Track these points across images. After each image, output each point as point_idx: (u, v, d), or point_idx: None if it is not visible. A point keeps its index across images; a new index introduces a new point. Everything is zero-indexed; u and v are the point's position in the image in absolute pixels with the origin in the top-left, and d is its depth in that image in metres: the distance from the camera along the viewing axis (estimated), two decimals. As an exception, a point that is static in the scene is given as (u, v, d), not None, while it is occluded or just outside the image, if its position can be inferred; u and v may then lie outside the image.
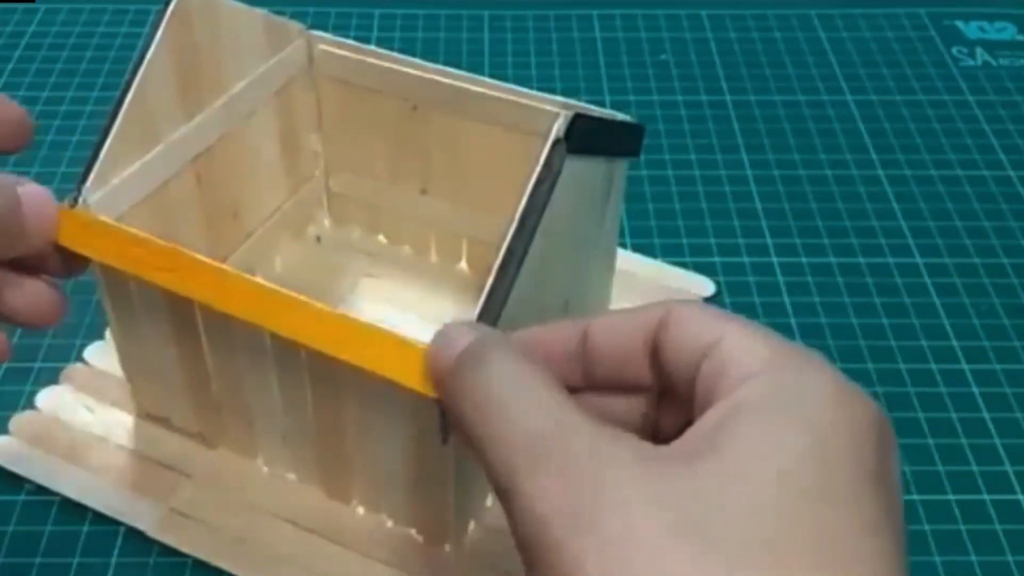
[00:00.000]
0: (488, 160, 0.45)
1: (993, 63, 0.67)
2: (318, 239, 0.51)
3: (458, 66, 0.44)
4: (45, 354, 0.47)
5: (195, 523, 0.40)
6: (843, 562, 0.21)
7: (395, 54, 0.45)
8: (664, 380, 0.27)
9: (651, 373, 0.27)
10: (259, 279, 0.35)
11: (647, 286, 0.50)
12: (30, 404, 0.44)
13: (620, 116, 0.40)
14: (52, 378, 0.45)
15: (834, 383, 0.24)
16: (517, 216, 0.34)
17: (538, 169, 0.34)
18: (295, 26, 0.46)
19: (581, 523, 0.21)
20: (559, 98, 0.42)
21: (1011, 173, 0.59)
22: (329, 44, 0.46)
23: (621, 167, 0.42)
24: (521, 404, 0.24)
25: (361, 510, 0.40)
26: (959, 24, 0.71)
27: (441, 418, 0.33)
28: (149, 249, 0.35)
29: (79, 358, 0.46)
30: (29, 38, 0.67)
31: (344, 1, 0.70)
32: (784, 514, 0.21)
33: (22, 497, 0.41)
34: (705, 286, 0.51)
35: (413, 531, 0.40)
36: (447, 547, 0.39)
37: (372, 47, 0.46)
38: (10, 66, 0.64)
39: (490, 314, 0.33)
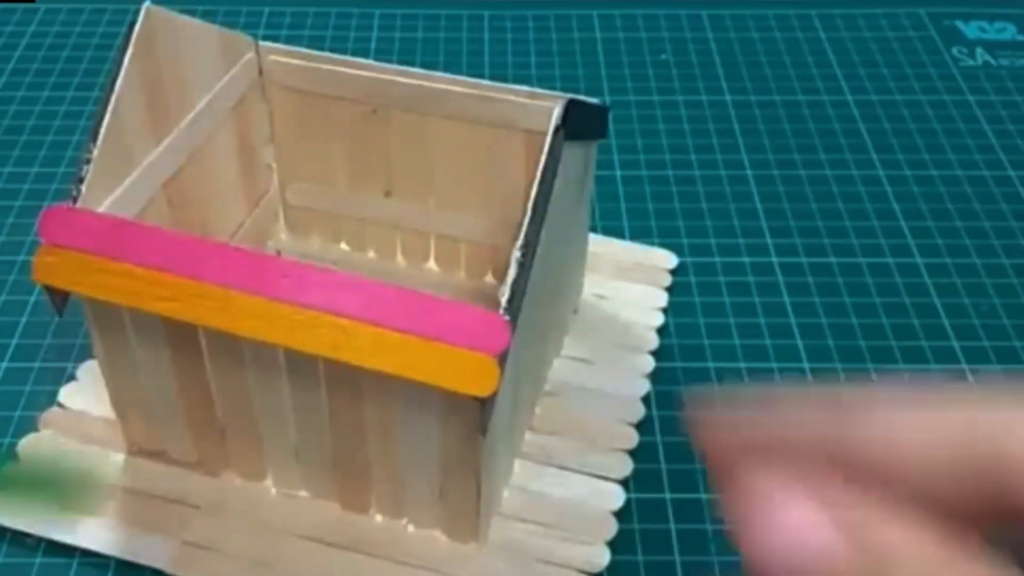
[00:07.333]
0: (453, 155, 0.45)
1: (993, 63, 0.67)
2: (278, 253, 0.50)
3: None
4: (24, 404, 0.45)
5: (213, 554, 0.39)
6: None
7: (349, 58, 0.44)
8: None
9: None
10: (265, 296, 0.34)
11: (609, 267, 0.51)
12: (12, 456, 0.42)
13: (593, 100, 0.40)
14: (31, 427, 0.43)
15: None
16: (530, 206, 0.34)
17: (543, 158, 0.35)
18: (245, 39, 0.45)
19: None
20: (521, 87, 0.42)
21: (1011, 173, 0.59)
22: (279, 54, 0.45)
23: (593, 150, 0.43)
24: None
25: (380, 518, 0.40)
26: (959, 24, 0.71)
27: (481, 412, 0.33)
28: (149, 281, 0.34)
29: (54, 403, 0.44)
30: (29, 38, 0.67)
31: (344, 1, 0.71)
32: None
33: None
34: (667, 259, 0.52)
35: (437, 532, 0.39)
36: (472, 543, 0.39)
37: (326, 53, 0.45)
38: (10, 66, 0.64)
39: (514, 308, 0.33)
